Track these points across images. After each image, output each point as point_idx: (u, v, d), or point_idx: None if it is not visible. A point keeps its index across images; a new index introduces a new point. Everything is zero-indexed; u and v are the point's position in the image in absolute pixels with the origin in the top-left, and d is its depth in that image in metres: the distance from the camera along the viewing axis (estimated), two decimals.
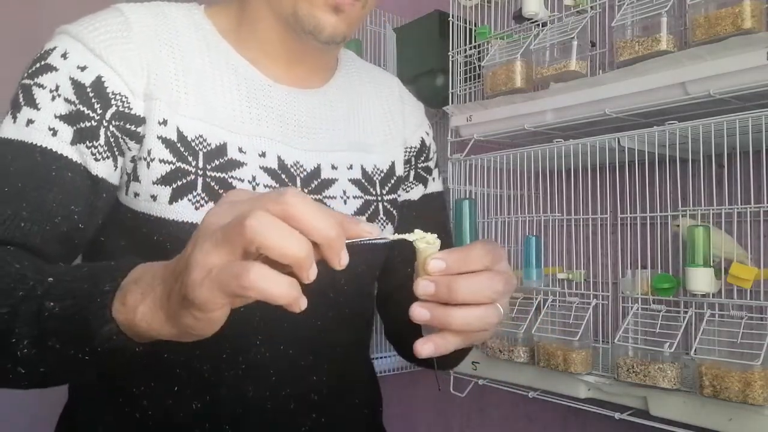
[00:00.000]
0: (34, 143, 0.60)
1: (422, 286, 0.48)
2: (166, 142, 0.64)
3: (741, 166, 1.09)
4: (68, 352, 0.47)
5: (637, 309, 1.04)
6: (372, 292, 0.83)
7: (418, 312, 0.48)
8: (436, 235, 0.49)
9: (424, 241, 0.49)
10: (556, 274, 1.21)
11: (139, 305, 0.44)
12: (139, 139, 0.64)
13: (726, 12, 0.92)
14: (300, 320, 0.69)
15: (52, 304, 0.47)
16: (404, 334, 0.82)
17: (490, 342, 1.22)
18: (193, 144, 0.65)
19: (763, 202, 0.94)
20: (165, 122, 0.64)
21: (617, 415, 1.02)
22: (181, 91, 0.66)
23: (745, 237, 1.07)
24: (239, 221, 0.37)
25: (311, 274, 0.40)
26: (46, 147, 0.60)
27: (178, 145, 0.64)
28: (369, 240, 0.44)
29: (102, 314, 0.45)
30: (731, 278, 0.95)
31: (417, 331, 0.72)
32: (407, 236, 0.49)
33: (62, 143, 0.61)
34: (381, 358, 1.53)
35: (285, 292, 0.38)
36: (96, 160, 0.62)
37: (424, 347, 0.48)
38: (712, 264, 0.96)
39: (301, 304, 0.40)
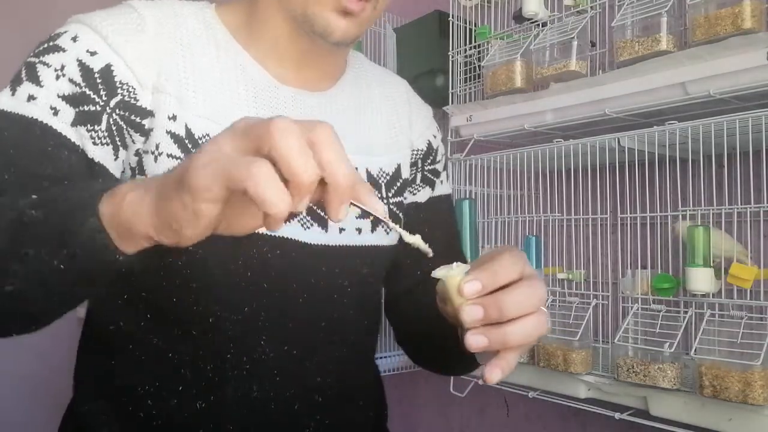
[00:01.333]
0: (34, 117, 0.59)
1: (469, 313, 0.47)
2: (175, 137, 0.64)
3: (741, 166, 1.09)
4: (43, 260, 0.44)
5: (637, 309, 1.04)
6: (377, 294, 0.83)
7: (475, 340, 0.47)
8: (457, 264, 0.48)
9: (447, 268, 0.48)
10: (556, 274, 1.21)
11: (129, 193, 0.43)
12: (144, 132, 0.64)
13: (726, 12, 0.92)
14: (305, 321, 0.70)
15: (33, 212, 0.45)
16: (416, 339, 0.82)
17: None
18: (200, 141, 0.65)
19: (763, 202, 0.94)
20: (174, 117, 0.64)
21: (617, 415, 1.02)
22: (190, 88, 0.66)
23: (745, 237, 1.07)
24: (266, 122, 0.37)
25: (303, 203, 0.38)
26: (44, 123, 0.59)
27: (186, 141, 0.64)
28: (372, 216, 0.43)
29: (89, 205, 0.43)
30: (731, 278, 0.95)
31: (431, 337, 0.72)
32: (410, 240, 0.49)
33: (62, 123, 0.60)
34: (381, 358, 1.53)
35: (276, 199, 0.36)
36: (94, 144, 0.62)
37: (493, 374, 0.48)
38: (712, 264, 0.96)
39: (277, 224, 0.39)
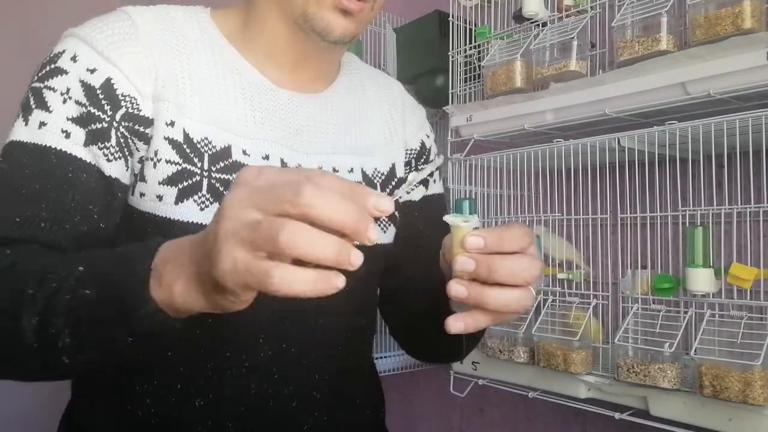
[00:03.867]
0: (48, 145, 0.61)
1: (461, 263, 0.48)
2: (173, 143, 0.65)
3: (741, 166, 1.09)
4: (109, 336, 0.48)
5: (637, 309, 1.04)
6: (374, 293, 0.83)
7: (456, 288, 0.49)
8: (470, 217, 0.50)
9: (462, 218, 0.50)
10: (556, 274, 1.21)
11: (175, 284, 0.45)
12: (146, 140, 0.65)
13: (726, 12, 0.92)
14: (303, 320, 0.70)
15: (87, 291, 0.48)
16: (412, 328, 0.82)
17: (490, 342, 1.22)
18: (198, 146, 0.66)
19: (763, 202, 0.94)
20: (172, 123, 0.65)
21: (617, 415, 1.02)
22: (187, 94, 0.66)
23: (745, 237, 1.07)
24: (272, 235, 0.38)
25: (354, 261, 0.41)
26: (60, 149, 0.61)
27: (185, 146, 0.65)
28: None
29: (140, 295, 0.46)
30: (731, 278, 0.95)
31: (427, 323, 0.73)
32: (419, 175, 0.51)
33: (75, 145, 0.62)
34: (381, 358, 1.53)
35: (311, 288, 0.39)
36: (108, 160, 0.63)
37: (455, 324, 0.50)
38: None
39: (336, 284, 0.41)
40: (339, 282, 0.40)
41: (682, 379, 0.96)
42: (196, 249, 0.44)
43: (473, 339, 0.75)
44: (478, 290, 0.49)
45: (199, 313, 0.47)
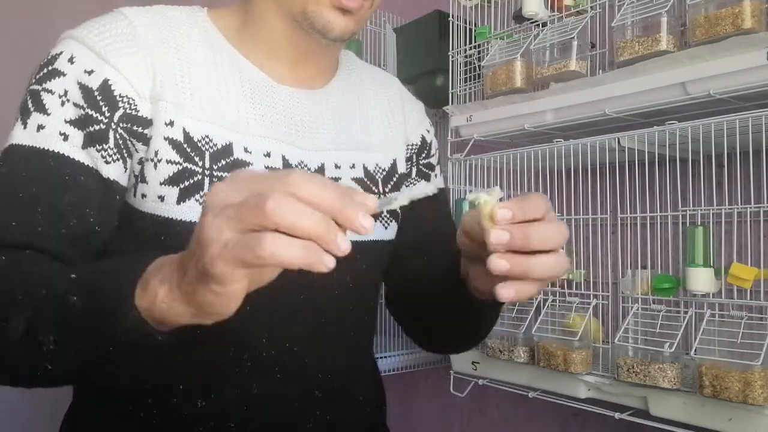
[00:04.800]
0: (46, 148, 0.61)
1: (497, 236, 0.49)
2: (173, 142, 0.65)
3: (741, 166, 1.09)
4: (93, 345, 0.49)
5: (637, 309, 1.04)
6: (376, 289, 0.83)
7: (498, 263, 0.49)
8: (491, 189, 0.51)
9: (484, 193, 0.50)
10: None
11: (159, 289, 0.45)
12: (145, 140, 0.65)
13: (726, 12, 0.92)
14: (305, 318, 0.70)
15: (75, 298, 0.49)
16: (424, 321, 0.82)
17: (490, 342, 1.22)
18: (199, 144, 0.66)
19: (763, 202, 0.94)
20: (171, 123, 0.65)
21: (617, 415, 1.02)
22: (187, 92, 0.66)
23: (745, 237, 1.07)
24: (258, 203, 0.38)
25: (341, 245, 0.40)
26: (57, 152, 0.61)
27: (185, 145, 0.65)
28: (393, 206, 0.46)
29: (125, 302, 0.46)
30: (731, 278, 0.95)
31: (440, 313, 0.73)
32: (471, 196, 0.51)
33: (73, 147, 0.62)
34: (381, 358, 1.53)
35: (301, 255, 0.39)
36: (107, 162, 0.63)
37: (506, 291, 0.50)
38: None
39: (326, 262, 0.40)
40: (329, 260, 0.40)
41: (682, 379, 0.96)
42: (184, 255, 0.44)
43: (490, 320, 0.75)
44: (520, 261, 0.49)
45: (183, 325, 0.47)
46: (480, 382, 1.29)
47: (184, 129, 0.65)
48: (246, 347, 0.67)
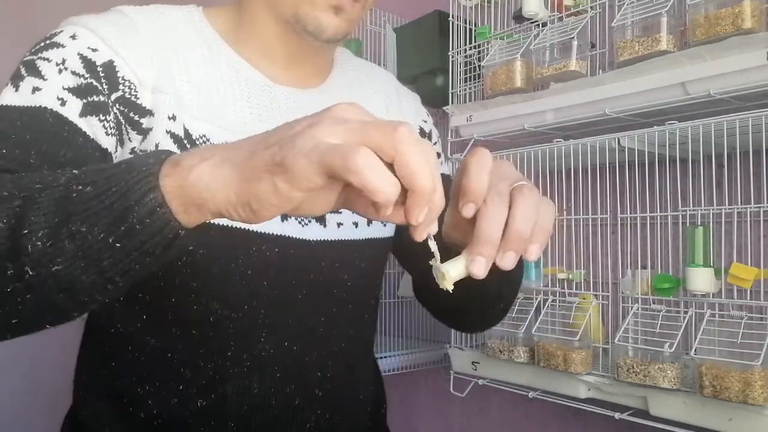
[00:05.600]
0: (44, 106, 0.57)
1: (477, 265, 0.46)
2: (175, 137, 0.64)
3: (741, 166, 1.09)
4: (96, 238, 0.40)
5: (637, 309, 1.04)
6: (376, 287, 0.83)
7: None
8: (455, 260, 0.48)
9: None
10: (556, 274, 1.21)
11: (197, 165, 0.40)
12: (141, 130, 0.64)
13: (726, 12, 0.92)
14: (305, 317, 0.70)
15: (80, 187, 0.42)
16: (445, 304, 0.80)
17: (490, 342, 1.22)
18: (197, 143, 0.65)
19: (763, 202, 0.94)
20: (174, 117, 0.64)
21: (617, 415, 1.02)
22: (185, 91, 0.66)
23: (745, 237, 1.07)
24: (347, 152, 0.36)
25: (420, 216, 0.39)
26: (55, 111, 0.58)
27: (185, 141, 0.65)
28: None
29: (147, 180, 0.40)
30: (731, 278, 0.95)
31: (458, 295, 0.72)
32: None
33: (72, 113, 0.59)
34: (381, 358, 1.53)
35: (385, 186, 0.36)
36: (107, 134, 0.61)
37: (508, 259, 0.46)
38: None
39: (388, 208, 0.39)
40: (390, 210, 0.39)
41: (682, 379, 0.96)
42: (248, 139, 0.41)
43: (516, 278, 0.72)
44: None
45: (205, 222, 0.42)
46: (480, 382, 1.29)
47: (184, 125, 0.65)
48: (245, 347, 0.67)
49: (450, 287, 0.47)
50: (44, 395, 1.79)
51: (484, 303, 0.72)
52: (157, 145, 0.64)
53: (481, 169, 0.46)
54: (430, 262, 0.47)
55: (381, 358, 1.53)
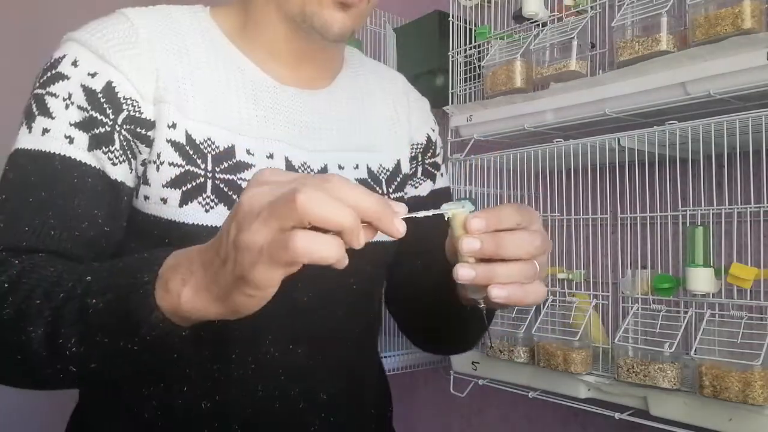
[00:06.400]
0: (53, 152, 0.61)
1: (468, 243, 0.50)
2: (176, 145, 0.64)
3: (741, 166, 1.09)
4: (116, 345, 0.49)
5: (637, 309, 1.04)
6: (379, 291, 0.83)
7: (463, 272, 0.50)
8: (467, 200, 0.52)
9: (458, 205, 0.52)
10: (556, 274, 1.21)
11: (182, 290, 0.46)
12: (149, 142, 0.65)
13: (726, 12, 0.92)
14: (309, 320, 0.70)
15: (94, 300, 0.49)
16: (419, 321, 0.82)
17: (490, 342, 1.22)
18: (201, 147, 0.65)
19: (763, 202, 0.94)
20: (174, 125, 0.65)
21: (617, 415, 1.02)
22: (189, 94, 0.66)
23: (745, 237, 1.07)
24: (289, 198, 0.39)
25: (361, 239, 0.42)
26: (64, 155, 0.62)
27: (187, 148, 0.65)
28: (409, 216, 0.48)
29: (146, 303, 0.47)
30: (731, 278, 0.95)
31: (434, 314, 0.73)
32: (441, 210, 0.51)
33: (79, 150, 0.62)
34: (381, 358, 1.52)
35: (334, 252, 0.40)
36: (113, 164, 0.64)
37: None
38: None
39: (344, 261, 0.42)
40: (345, 261, 0.42)
41: (682, 379, 0.96)
42: (208, 254, 0.45)
43: (480, 328, 0.75)
44: (487, 267, 0.50)
45: (210, 320, 0.47)
46: (480, 382, 1.29)
47: (186, 131, 0.65)
48: (250, 350, 0.67)
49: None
50: (48, 395, 1.80)
51: (451, 331, 0.75)
52: (159, 155, 0.64)
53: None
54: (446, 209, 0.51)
55: (381, 358, 1.53)
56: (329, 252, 0.40)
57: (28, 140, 0.62)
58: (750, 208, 0.94)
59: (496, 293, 0.50)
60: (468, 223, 0.50)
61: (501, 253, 0.50)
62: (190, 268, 0.46)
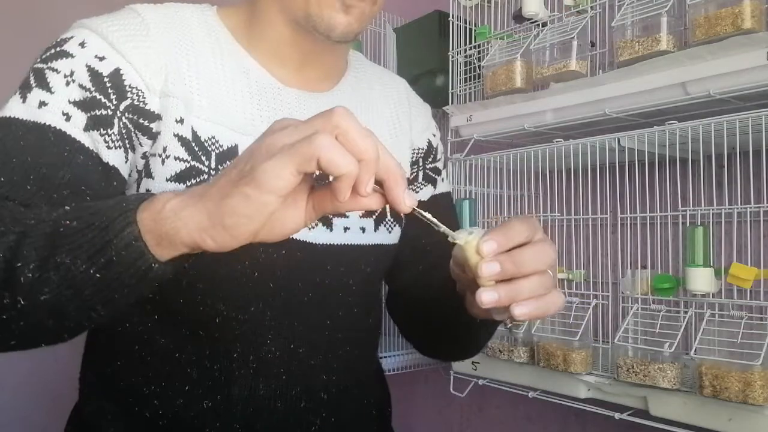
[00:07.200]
0: (47, 124, 0.59)
1: (487, 268, 0.50)
2: (182, 140, 0.64)
3: (741, 166, 1.09)
4: (78, 269, 0.45)
5: (637, 309, 1.04)
6: (380, 292, 0.83)
7: (487, 295, 0.50)
8: (472, 230, 0.52)
9: (465, 232, 0.52)
10: (556, 274, 1.21)
11: (171, 199, 0.44)
12: (152, 135, 0.64)
13: (726, 12, 0.92)
14: (311, 319, 0.70)
15: (68, 221, 0.46)
16: (421, 326, 0.82)
17: (490, 342, 1.22)
18: (206, 144, 0.65)
19: (763, 202, 0.94)
20: (182, 121, 0.64)
21: (617, 415, 1.02)
22: (194, 92, 0.66)
23: (745, 237, 1.07)
24: (312, 138, 0.40)
25: (368, 186, 0.43)
26: (58, 128, 0.59)
27: (193, 144, 0.65)
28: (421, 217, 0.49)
29: (125, 216, 0.44)
30: (731, 278, 0.95)
31: (438, 317, 0.74)
32: (450, 235, 0.52)
33: (75, 128, 0.60)
34: (381, 358, 1.52)
35: (348, 162, 0.41)
36: (108, 148, 0.62)
37: (520, 308, 0.50)
38: None
39: (347, 194, 0.43)
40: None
41: (682, 379, 0.96)
42: (213, 182, 0.45)
43: (485, 334, 0.75)
44: (509, 287, 0.50)
45: (185, 255, 0.46)
46: (480, 382, 1.29)
47: (192, 128, 0.65)
48: (251, 349, 0.67)
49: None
50: (47, 392, 1.80)
51: (455, 338, 0.75)
52: (165, 149, 0.64)
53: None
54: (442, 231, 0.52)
55: (381, 358, 1.53)
56: (344, 160, 0.41)
57: (21, 110, 0.59)
58: (750, 208, 0.94)
59: (519, 311, 0.50)
60: (481, 247, 0.50)
61: (521, 271, 0.50)
62: (194, 188, 0.46)
